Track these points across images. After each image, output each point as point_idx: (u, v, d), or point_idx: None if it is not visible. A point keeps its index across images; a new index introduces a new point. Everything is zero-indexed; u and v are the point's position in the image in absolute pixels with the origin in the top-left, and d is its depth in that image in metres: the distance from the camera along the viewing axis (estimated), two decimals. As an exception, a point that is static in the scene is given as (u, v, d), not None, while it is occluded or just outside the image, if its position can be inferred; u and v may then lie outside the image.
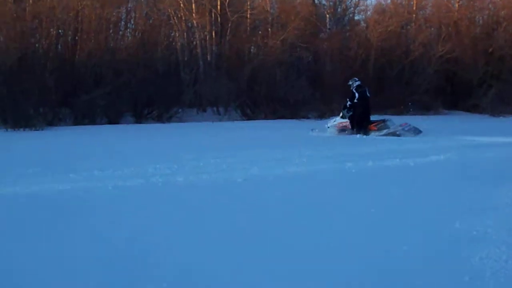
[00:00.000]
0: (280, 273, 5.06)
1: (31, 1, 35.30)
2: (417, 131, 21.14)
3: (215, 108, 37.07)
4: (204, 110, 37.45)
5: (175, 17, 39.94)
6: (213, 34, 40.38)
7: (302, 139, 19.97)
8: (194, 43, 41.08)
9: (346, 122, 22.66)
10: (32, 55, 34.77)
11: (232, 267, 5.16)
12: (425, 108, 40.05)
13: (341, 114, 23.29)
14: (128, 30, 41.44)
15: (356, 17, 47.59)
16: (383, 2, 47.37)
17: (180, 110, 35.41)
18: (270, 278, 4.93)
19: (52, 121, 31.45)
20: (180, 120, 33.53)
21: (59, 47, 37.46)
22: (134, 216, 7.35)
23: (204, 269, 5.11)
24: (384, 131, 21.32)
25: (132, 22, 41.38)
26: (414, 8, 45.41)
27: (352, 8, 46.52)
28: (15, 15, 34.94)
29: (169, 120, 33.86)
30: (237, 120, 33.67)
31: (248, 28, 41.55)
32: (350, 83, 23.28)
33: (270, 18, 42.20)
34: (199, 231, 6.47)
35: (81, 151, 16.35)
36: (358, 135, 21.43)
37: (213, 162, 12.69)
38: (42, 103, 31.44)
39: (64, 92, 33.15)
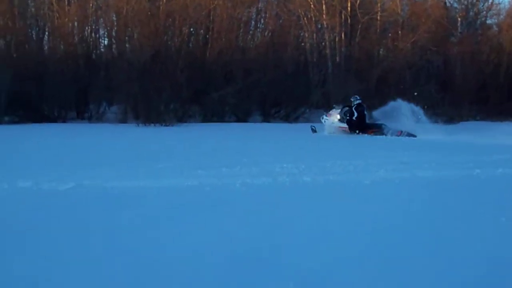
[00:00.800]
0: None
1: (165, 0, 36.14)
2: (411, 136, 22.22)
3: (342, 110, 36.98)
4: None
5: (305, 18, 40.08)
6: (343, 35, 40.29)
7: (429, 143, 19.64)
8: (323, 44, 41.07)
9: (345, 126, 24.02)
10: (165, 52, 35.61)
11: (357, 268, 5.12)
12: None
13: (338, 117, 24.73)
14: (258, 29, 41.80)
15: (488, 21, 46.48)
16: (517, 6, 46.09)
17: (307, 110, 35.52)
18: None
19: (182, 117, 32.16)
20: (307, 120, 33.42)
21: (191, 45, 38.18)
22: (261, 215, 7.37)
23: (331, 271, 5.09)
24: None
25: (262, 22, 41.70)
26: (550, 11, 43.99)
27: (484, 12, 45.44)
28: (149, 13, 35.92)
29: (296, 120, 34.02)
30: (364, 122, 33.44)
31: (378, 30, 41.20)
32: (352, 99, 24.67)
33: (401, 20, 41.76)
34: (325, 232, 6.45)
35: (208, 148, 16.53)
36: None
37: (340, 163, 12.66)
38: (173, 99, 32.15)
39: (194, 89, 33.80)
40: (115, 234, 6.18)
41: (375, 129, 23.74)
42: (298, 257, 5.42)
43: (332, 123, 24.71)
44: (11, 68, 32.75)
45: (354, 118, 23.81)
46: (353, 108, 23.99)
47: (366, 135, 23.08)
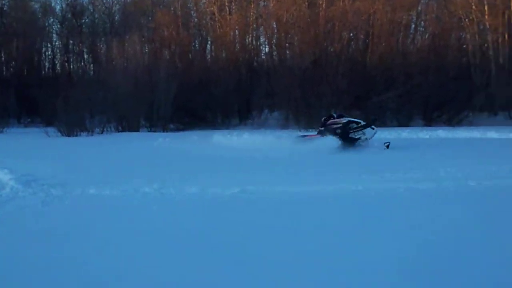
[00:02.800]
0: None
1: (324, 6, 36.35)
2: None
3: (507, 113, 35.87)
4: (496, 114, 36.38)
5: (466, 19, 39.26)
6: (506, 36, 39.14)
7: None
8: (486, 45, 40.05)
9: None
10: (325, 58, 35.76)
11: None
12: None
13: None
14: (418, 33, 41.33)
15: None
16: None
17: (470, 114, 34.75)
18: None
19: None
20: (471, 124, 32.63)
21: (351, 50, 38.19)
22: (425, 219, 7.33)
23: None
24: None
25: (423, 25, 41.22)
26: None
27: None
28: (309, 19, 36.21)
29: (459, 123, 33.27)
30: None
31: (545, 29, 39.79)
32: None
33: None
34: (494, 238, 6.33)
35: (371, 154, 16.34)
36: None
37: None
38: (334, 105, 32.22)
39: (355, 94, 33.78)
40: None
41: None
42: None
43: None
44: (176, 77, 33.86)
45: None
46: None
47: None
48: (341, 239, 6.31)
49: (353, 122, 19.85)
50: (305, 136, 21.41)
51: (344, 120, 19.73)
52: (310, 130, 28.69)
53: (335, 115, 20.58)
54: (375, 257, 5.56)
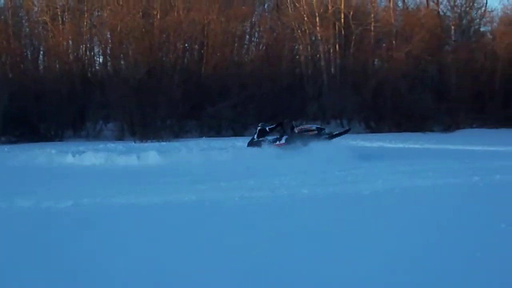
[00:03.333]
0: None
1: (158, 16, 36.22)
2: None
3: (338, 121, 36.99)
4: (328, 123, 37.38)
5: (299, 30, 40.23)
6: (337, 47, 40.43)
7: (426, 151, 19.72)
8: (318, 56, 41.19)
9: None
10: (160, 68, 35.66)
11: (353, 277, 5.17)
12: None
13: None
14: (253, 43, 41.93)
15: (482, 29, 46.46)
16: (510, 13, 46.07)
17: (304, 123, 35.51)
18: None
19: (179, 133, 32.20)
20: (304, 132, 33.38)
21: (186, 60, 38.24)
22: (259, 226, 7.44)
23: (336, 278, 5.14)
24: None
25: (257, 35, 41.85)
26: (545, 18, 43.94)
27: (477, 20, 45.44)
28: (143, 29, 35.98)
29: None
30: (360, 133, 33.41)
31: (372, 40, 41.28)
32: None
33: (394, 31, 41.80)
34: (329, 242, 6.50)
35: (208, 164, 16.40)
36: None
37: (338, 174, 12.72)
38: (170, 115, 32.21)
39: (190, 104, 33.87)
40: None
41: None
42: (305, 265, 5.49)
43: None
44: (7, 88, 32.75)
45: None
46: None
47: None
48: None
49: (320, 128, 21.44)
50: (274, 142, 20.74)
51: (314, 126, 21.38)
52: (147, 141, 28.51)
53: (261, 127, 21.46)
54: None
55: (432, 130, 34.53)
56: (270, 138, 20.97)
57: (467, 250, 6.08)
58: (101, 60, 40.31)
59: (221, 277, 5.28)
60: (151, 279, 5.25)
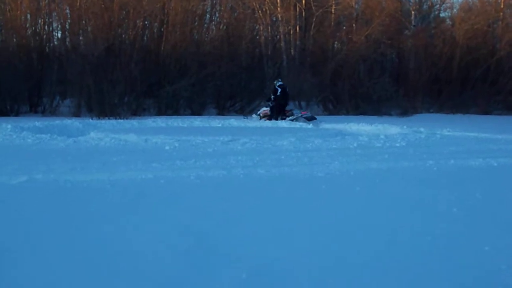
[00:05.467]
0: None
1: (119, -7, 35.91)
2: (311, 119, 26.21)
3: (297, 102, 37.06)
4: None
5: (259, 11, 40.18)
6: (297, 28, 40.48)
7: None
8: (278, 37, 41.24)
9: (267, 110, 27.60)
10: (119, 45, 35.40)
11: (309, 264, 5.17)
12: (509, 108, 39.31)
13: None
14: (213, 23, 41.76)
15: (442, 15, 46.98)
16: (469, 0, 46.56)
17: (262, 103, 35.60)
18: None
19: (136, 111, 32.09)
20: (263, 113, 33.43)
21: (145, 38, 38.00)
22: (215, 207, 7.41)
23: (283, 264, 5.14)
24: (290, 117, 26.35)
25: (217, 15, 41.66)
26: (502, 6, 44.29)
27: (438, 5, 45.89)
28: (103, 6, 35.63)
29: (250, 113, 33.96)
30: (318, 114, 33.48)
31: (333, 23, 41.38)
32: (275, 82, 27.84)
33: (355, 14, 42.02)
34: (279, 225, 6.49)
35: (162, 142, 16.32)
36: (277, 120, 25.81)
37: (294, 155, 12.73)
38: (128, 93, 31.99)
39: (149, 82, 33.72)
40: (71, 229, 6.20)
41: (288, 111, 27.35)
42: (252, 249, 5.48)
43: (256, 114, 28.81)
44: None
45: (278, 94, 26.65)
46: (276, 86, 26.98)
47: (286, 119, 26.14)
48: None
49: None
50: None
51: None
52: (104, 118, 28.30)
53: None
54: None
55: (390, 114, 34.75)
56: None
57: (416, 233, 6.13)
58: (59, 35, 39.84)
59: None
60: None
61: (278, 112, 26.75)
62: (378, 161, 11.97)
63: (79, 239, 5.81)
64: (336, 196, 8.30)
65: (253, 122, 25.91)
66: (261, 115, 27.67)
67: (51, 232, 6.05)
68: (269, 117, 26.90)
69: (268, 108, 27.46)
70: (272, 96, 27.01)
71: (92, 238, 5.83)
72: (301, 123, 24.58)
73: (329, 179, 9.65)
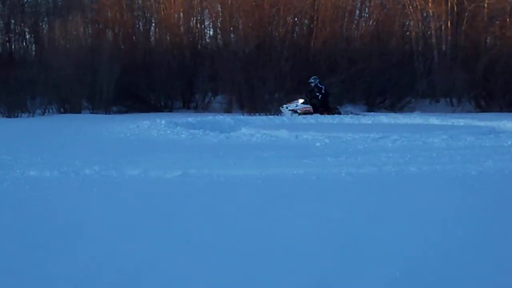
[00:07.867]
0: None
1: (269, -10, 36.30)
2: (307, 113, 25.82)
3: (448, 99, 36.36)
4: (437, 101, 36.90)
5: (410, 6, 39.63)
6: (449, 23, 39.63)
7: None
8: (429, 32, 40.52)
9: (309, 107, 26.81)
10: (269, 42, 35.74)
11: (462, 264, 5.08)
12: None
13: (302, 100, 27.35)
14: (363, 19, 41.50)
15: None
16: None
17: (412, 100, 35.21)
18: None
19: (286, 108, 32.37)
20: (413, 110, 32.93)
21: (295, 35, 38.18)
22: (365, 204, 7.38)
23: (433, 264, 5.07)
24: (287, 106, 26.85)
25: (367, 11, 41.41)
26: None
27: None
28: (254, 3, 36.12)
29: (401, 110, 33.63)
30: (471, 112, 32.70)
31: (485, 18, 40.21)
32: (311, 80, 27.67)
33: (509, 8, 40.69)
34: (430, 224, 6.40)
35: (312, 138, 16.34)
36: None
37: (447, 153, 12.50)
38: (277, 89, 32.34)
39: (298, 79, 33.88)
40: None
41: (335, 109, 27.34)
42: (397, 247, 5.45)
43: (296, 106, 27.31)
44: (119, 59, 33.57)
45: (323, 91, 27.24)
46: (317, 84, 27.43)
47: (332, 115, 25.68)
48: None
49: None
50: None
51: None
52: (255, 114, 28.76)
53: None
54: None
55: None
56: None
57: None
58: (211, 33, 40.77)
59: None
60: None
61: (326, 108, 26.92)
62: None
63: (227, 231, 5.99)
64: (491, 195, 8.14)
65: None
66: (299, 111, 26.68)
67: (201, 225, 6.26)
68: (310, 114, 26.17)
69: (309, 105, 27.00)
70: (318, 94, 27.15)
71: (243, 232, 5.98)
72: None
73: (482, 177, 9.45)
